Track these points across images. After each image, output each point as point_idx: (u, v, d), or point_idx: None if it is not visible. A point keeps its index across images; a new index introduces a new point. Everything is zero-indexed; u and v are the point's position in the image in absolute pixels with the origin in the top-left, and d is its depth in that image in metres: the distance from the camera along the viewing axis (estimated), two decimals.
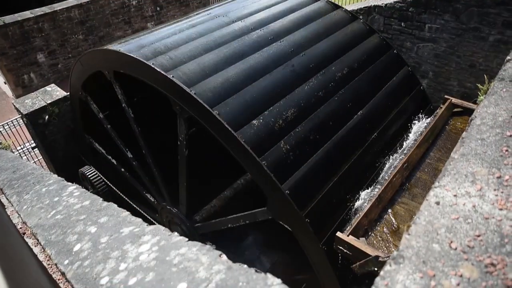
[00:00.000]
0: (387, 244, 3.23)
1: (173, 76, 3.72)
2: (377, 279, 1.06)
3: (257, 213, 3.83)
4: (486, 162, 1.30)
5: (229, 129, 3.43)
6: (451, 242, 1.09)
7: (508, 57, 1.85)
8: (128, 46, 4.39)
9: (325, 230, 3.54)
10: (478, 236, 1.09)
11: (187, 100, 3.73)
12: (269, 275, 1.25)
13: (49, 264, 1.89)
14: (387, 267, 1.07)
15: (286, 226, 3.60)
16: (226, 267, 1.35)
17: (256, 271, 1.28)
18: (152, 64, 3.85)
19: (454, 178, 1.27)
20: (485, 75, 2.64)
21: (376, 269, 2.92)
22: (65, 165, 6.41)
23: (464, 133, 1.48)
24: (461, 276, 1.00)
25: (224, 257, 1.43)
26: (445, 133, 4.43)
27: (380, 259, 2.81)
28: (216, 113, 3.50)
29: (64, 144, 6.39)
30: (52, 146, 6.28)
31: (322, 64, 4.63)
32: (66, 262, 1.70)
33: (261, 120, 3.73)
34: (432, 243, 1.09)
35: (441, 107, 4.70)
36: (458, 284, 0.99)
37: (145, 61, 3.91)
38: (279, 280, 1.22)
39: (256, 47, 4.52)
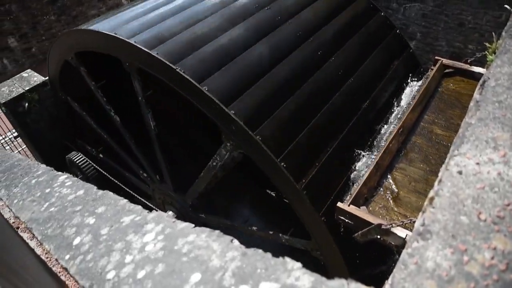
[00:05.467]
0: (388, 211, 3.23)
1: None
2: (405, 257, 1.00)
3: (228, 158, 3.82)
4: (506, 126, 1.24)
5: (191, 80, 3.42)
6: (480, 213, 1.04)
7: None
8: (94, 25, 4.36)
9: (306, 174, 3.53)
10: (508, 205, 1.04)
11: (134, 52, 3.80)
12: (287, 259, 1.19)
13: (47, 258, 1.81)
14: (414, 244, 1.01)
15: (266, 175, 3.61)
16: (241, 253, 1.28)
17: (273, 255, 1.23)
18: (115, 33, 3.91)
19: (474, 144, 1.21)
20: (493, 33, 2.56)
21: (379, 236, 2.93)
22: (52, 153, 6.20)
23: (477, 96, 1.41)
24: (494, 248, 0.96)
25: (236, 242, 1.36)
26: (438, 95, 4.39)
27: (383, 227, 2.81)
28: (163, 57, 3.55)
29: (49, 132, 6.15)
30: (35, 135, 6.04)
31: (310, 32, 4.49)
32: (67, 257, 1.61)
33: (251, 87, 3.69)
34: (459, 216, 1.04)
35: (432, 69, 4.63)
36: (492, 258, 0.94)
37: (108, 32, 3.94)
38: (299, 264, 1.16)
39: (242, 17, 4.34)
